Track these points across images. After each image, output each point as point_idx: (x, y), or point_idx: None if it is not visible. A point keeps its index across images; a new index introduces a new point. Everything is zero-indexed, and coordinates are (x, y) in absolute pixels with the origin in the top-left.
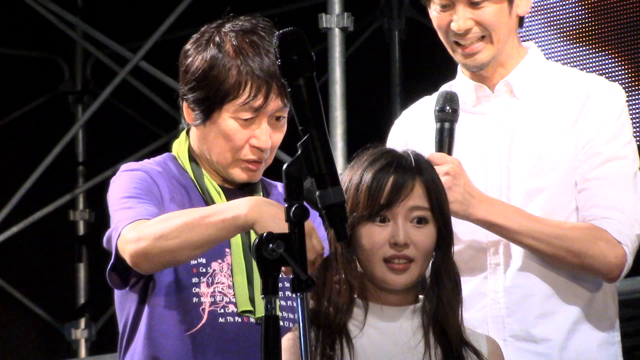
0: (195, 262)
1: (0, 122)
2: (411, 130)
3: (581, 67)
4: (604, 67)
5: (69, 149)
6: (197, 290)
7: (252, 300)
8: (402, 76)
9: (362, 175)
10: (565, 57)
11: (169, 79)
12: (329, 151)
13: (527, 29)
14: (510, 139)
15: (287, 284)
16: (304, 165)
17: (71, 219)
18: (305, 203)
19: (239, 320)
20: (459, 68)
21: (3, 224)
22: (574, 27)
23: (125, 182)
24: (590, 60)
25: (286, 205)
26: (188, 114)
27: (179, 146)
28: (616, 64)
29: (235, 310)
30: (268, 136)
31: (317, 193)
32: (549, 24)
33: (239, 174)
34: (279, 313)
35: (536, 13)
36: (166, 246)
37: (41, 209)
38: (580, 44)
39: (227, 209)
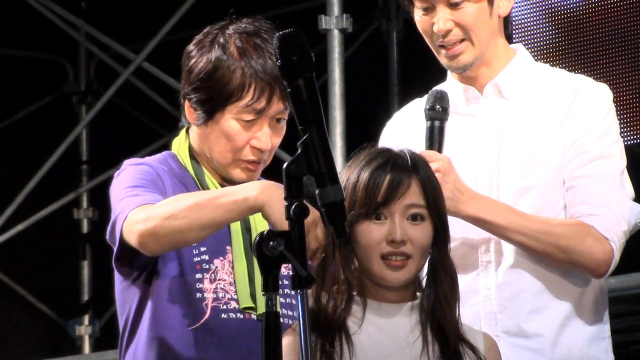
0: (199, 258)
1: (5, 122)
2: (402, 131)
3: None
4: None
5: (73, 149)
6: (200, 285)
7: (253, 297)
8: (400, 76)
9: (360, 174)
10: None
11: (172, 79)
12: (328, 150)
13: None
14: (499, 139)
15: (286, 282)
16: (304, 164)
17: (75, 217)
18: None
19: (241, 316)
20: (449, 71)
21: (8, 223)
22: (545, 45)
23: (130, 174)
24: None
25: (286, 204)
26: (190, 113)
27: (179, 144)
28: None
29: (237, 306)
30: (269, 138)
31: (317, 191)
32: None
33: (238, 174)
34: (278, 310)
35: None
36: (175, 225)
37: (46, 207)
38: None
39: (238, 191)
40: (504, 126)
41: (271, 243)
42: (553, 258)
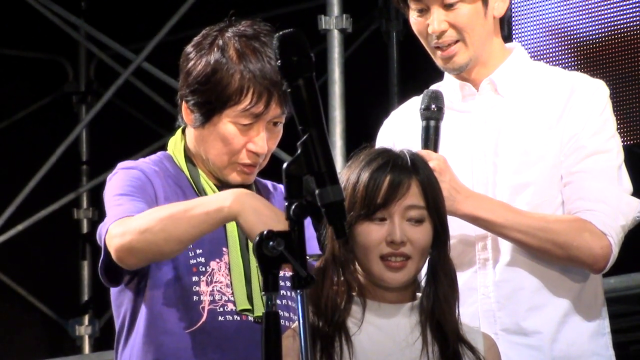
0: (195, 261)
1: (5, 122)
2: (399, 130)
3: None
4: None
5: (73, 149)
6: (197, 288)
7: (250, 299)
8: (399, 76)
9: (359, 174)
10: None
11: (172, 79)
12: (328, 150)
13: None
14: (495, 136)
15: (282, 283)
16: (304, 164)
17: (75, 217)
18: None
19: (238, 318)
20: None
21: (8, 223)
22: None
23: (119, 180)
24: None
25: (286, 204)
26: (187, 115)
27: (175, 145)
28: None
29: (233, 308)
30: (265, 142)
31: (317, 191)
32: None
33: (234, 177)
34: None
35: None
36: (151, 239)
37: (46, 207)
38: None
39: (211, 202)
40: (500, 123)
41: (271, 243)
42: (551, 254)
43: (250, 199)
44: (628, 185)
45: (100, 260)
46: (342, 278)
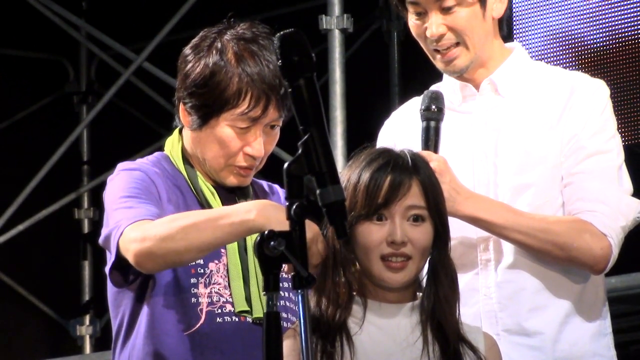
0: (194, 263)
1: (7, 122)
2: (400, 131)
3: None
4: None
5: (74, 149)
6: (195, 290)
7: (248, 301)
8: (400, 76)
9: (360, 174)
10: None
11: (172, 79)
12: (329, 150)
13: None
14: (496, 137)
15: (281, 284)
16: (305, 164)
17: (76, 217)
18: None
19: (236, 319)
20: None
21: (9, 223)
22: None
23: (123, 181)
24: None
25: (287, 204)
26: (184, 116)
27: (172, 146)
28: None
29: (232, 309)
30: (262, 145)
31: (318, 191)
32: None
33: (230, 180)
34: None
35: None
36: (172, 247)
37: (46, 207)
38: None
39: (235, 213)
40: (501, 123)
41: (272, 243)
42: (551, 255)
43: (274, 211)
44: (628, 186)
45: (111, 262)
46: (343, 278)
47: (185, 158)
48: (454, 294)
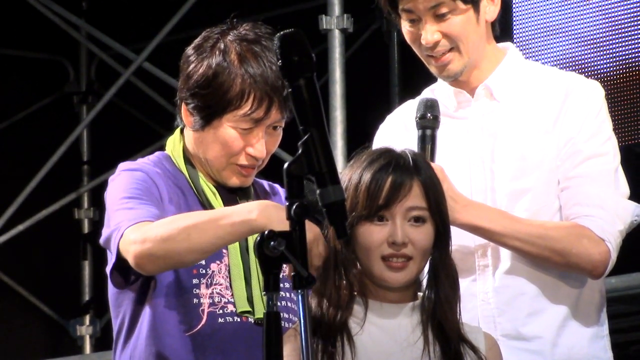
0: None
1: (7, 122)
2: (395, 135)
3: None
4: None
5: (74, 149)
6: (197, 291)
7: (250, 301)
8: (400, 77)
9: (361, 175)
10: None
11: (173, 79)
12: (329, 150)
13: None
14: (492, 142)
15: (281, 285)
16: (305, 164)
17: (76, 217)
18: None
19: (238, 320)
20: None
21: (9, 223)
22: None
23: (124, 182)
24: None
25: (287, 204)
26: (186, 117)
27: (174, 146)
28: None
29: (233, 310)
30: (264, 147)
31: (318, 191)
32: None
33: (232, 180)
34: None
35: None
36: (173, 248)
37: (47, 207)
38: None
39: (236, 213)
40: (497, 128)
41: (272, 243)
42: (550, 261)
43: (276, 211)
44: (625, 189)
45: (112, 263)
46: (344, 278)
47: (187, 158)
48: (455, 294)
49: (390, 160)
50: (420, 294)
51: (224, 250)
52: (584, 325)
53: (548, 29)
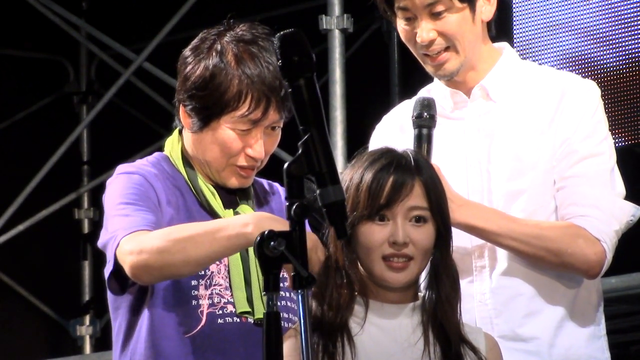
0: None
1: (7, 122)
2: (391, 134)
3: None
4: None
5: (74, 149)
6: (195, 292)
7: (249, 302)
8: (400, 77)
9: (363, 174)
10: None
11: (172, 79)
12: (329, 150)
13: None
14: (489, 143)
15: (281, 284)
16: (305, 164)
17: (76, 217)
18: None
19: (238, 320)
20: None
21: (9, 223)
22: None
23: (121, 186)
24: None
25: (287, 204)
26: (185, 118)
27: (172, 147)
28: None
29: (233, 310)
30: (263, 148)
31: (318, 191)
32: None
33: (232, 181)
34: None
35: None
36: (169, 260)
37: (46, 207)
38: None
39: (232, 226)
40: (493, 129)
41: (272, 243)
42: (545, 261)
43: (271, 223)
44: (621, 189)
45: (109, 271)
46: (344, 278)
47: (185, 159)
48: (456, 294)
49: (392, 160)
50: (420, 294)
51: None
52: (581, 326)
53: (549, 25)
